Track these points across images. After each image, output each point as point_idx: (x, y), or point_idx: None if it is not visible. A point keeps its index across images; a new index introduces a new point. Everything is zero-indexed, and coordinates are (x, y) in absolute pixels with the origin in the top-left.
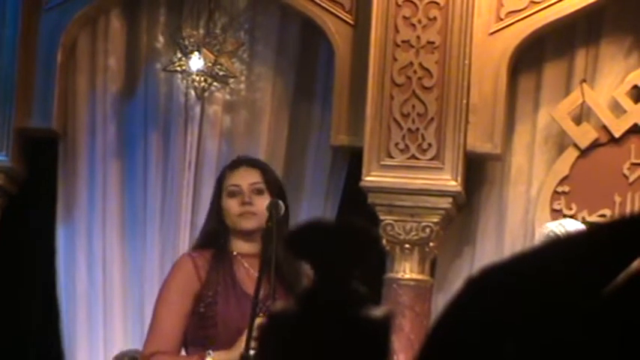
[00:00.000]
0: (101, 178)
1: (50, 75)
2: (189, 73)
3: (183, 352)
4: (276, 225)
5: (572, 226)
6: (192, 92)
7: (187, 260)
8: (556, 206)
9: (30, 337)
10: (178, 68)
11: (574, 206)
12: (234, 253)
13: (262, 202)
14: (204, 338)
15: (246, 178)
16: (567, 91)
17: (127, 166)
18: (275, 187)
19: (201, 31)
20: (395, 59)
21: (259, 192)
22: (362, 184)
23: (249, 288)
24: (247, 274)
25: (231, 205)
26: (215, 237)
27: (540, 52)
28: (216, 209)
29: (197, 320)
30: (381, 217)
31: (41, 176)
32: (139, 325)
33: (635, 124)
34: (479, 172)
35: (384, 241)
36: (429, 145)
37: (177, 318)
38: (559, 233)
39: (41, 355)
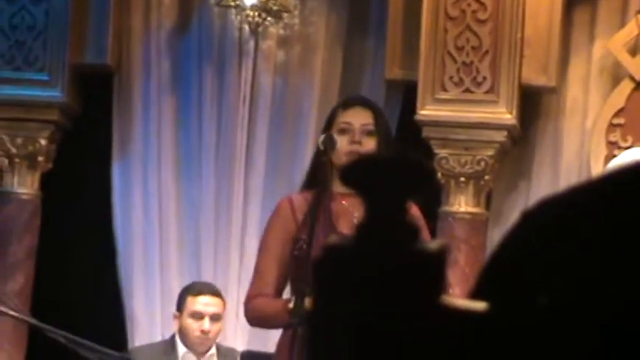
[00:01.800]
0: (156, 114)
1: (104, 11)
2: (243, 8)
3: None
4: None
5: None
6: (246, 27)
7: (285, 203)
8: (612, 138)
9: (88, 273)
10: (232, 3)
11: (630, 138)
12: (335, 191)
13: (371, 144)
14: (304, 279)
15: (359, 118)
16: (622, 23)
17: (181, 102)
18: (385, 131)
19: None
20: None
21: (369, 133)
22: (416, 117)
23: (345, 227)
24: (345, 213)
25: (341, 142)
26: (319, 175)
27: None
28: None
29: (294, 262)
30: (436, 151)
31: (96, 112)
32: (195, 260)
33: None
34: (534, 105)
35: (438, 175)
36: (484, 78)
37: (275, 262)
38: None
39: (99, 292)
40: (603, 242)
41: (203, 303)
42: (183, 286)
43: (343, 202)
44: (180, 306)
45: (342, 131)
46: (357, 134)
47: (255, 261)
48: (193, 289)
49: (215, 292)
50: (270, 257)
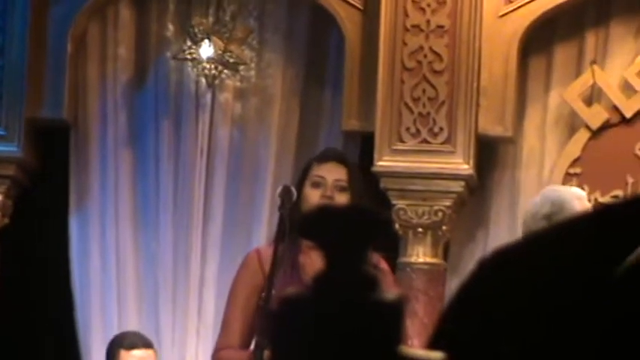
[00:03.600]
0: (113, 168)
1: (60, 65)
2: (200, 61)
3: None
4: (288, 211)
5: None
6: (203, 80)
7: (253, 255)
8: None
9: (45, 326)
10: (188, 56)
11: (586, 187)
12: (304, 244)
13: (343, 200)
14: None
15: (333, 173)
16: (578, 73)
17: (138, 155)
18: (357, 187)
19: (211, 19)
20: (405, 43)
21: (342, 189)
22: (374, 168)
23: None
24: (312, 265)
25: (312, 195)
26: (280, 227)
27: (550, 34)
28: (297, 197)
29: (259, 314)
30: (394, 202)
31: (53, 166)
32: (153, 314)
33: None
34: (491, 154)
35: (396, 226)
36: (441, 128)
37: (241, 314)
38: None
39: (57, 345)
40: (554, 293)
41: (138, 357)
42: (112, 338)
43: (311, 254)
44: None
45: (316, 185)
46: (330, 189)
47: (223, 313)
48: (125, 342)
49: (148, 344)
50: (237, 309)
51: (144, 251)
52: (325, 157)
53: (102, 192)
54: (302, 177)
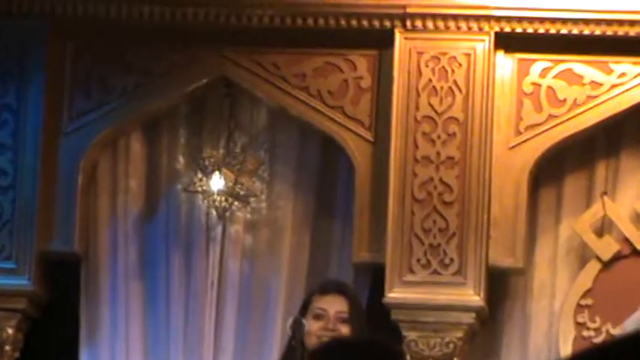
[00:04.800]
0: (123, 300)
1: (71, 198)
2: (210, 193)
3: None
4: (299, 343)
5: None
6: (214, 212)
7: None
8: (580, 319)
9: None
10: (199, 188)
11: (598, 319)
12: None
13: (345, 331)
14: None
15: (334, 305)
16: (588, 204)
17: (149, 287)
18: (359, 319)
19: (222, 151)
20: (415, 175)
21: (344, 321)
22: (384, 300)
23: None
24: None
25: (315, 328)
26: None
27: (560, 166)
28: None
29: None
30: (405, 334)
31: (64, 299)
32: None
33: None
34: (501, 286)
35: (408, 358)
36: (451, 260)
37: None
38: None
39: None
40: None
41: None
42: None
43: None
44: None
45: (317, 317)
46: (332, 321)
47: None
48: None
49: None
50: None
51: None
52: (326, 289)
53: (112, 324)
54: (303, 309)
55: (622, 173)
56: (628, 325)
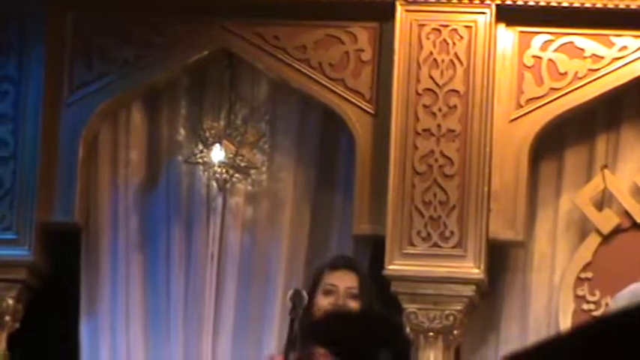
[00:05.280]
0: (124, 272)
1: (72, 169)
2: (211, 165)
3: None
4: (299, 315)
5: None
6: (214, 184)
7: None
8: (579, 292)
9: None
10: (200, 160)
11: (597, 292)
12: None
13: (355, 307)
14: None
15: (344, 281)
16: (589, 177)
17: (149, 259)
18: (368, 295)
19: (222, 123)
20: (416, 147)
21: (353, 297)
22: (385, 272)
23: None
24: None
25: (325, 304)
26: (290, 335)
27: (561, 139)
28: (308, 305)
29: None
30: (405, 306)
31: (64, 270)
32: None
33: None
34: (501, 259)
35: (407, 329)
36: (451, 232)
37: None
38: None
39: None
40: None
41: None
42: None
43: None
44: None
45: (327, 292)
46: (341, 297)
47: None
48: None
49: None
50: None
51: (154, 356)
52: (336, 265)
53: (113, 296)
54: (313, 284)
55: (622, 146)
56: (619, 300)
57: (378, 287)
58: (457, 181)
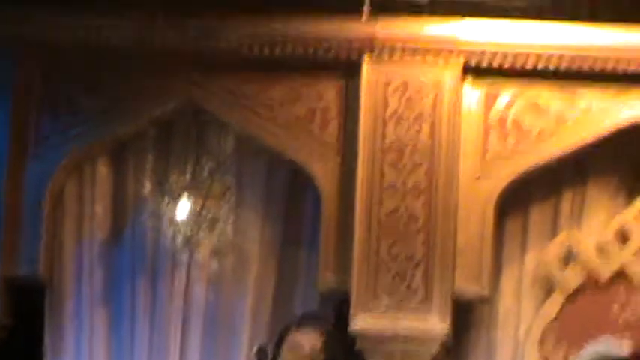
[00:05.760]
0: (88, 325)
1: (37, 222)
2: (176, 219)
3: None
4: None
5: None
6: (180, 238)
7: None
8: (544, 349)
9: None
10: (165, 214)
11: (562, 349)
12: None
13: None
14: None
15: (309, 339)
16: (554, 234)
17: (114, 313)
18: (333, 351)
19: (188, 176)
20: (381, 203)
21: (318, 354)
22: (350, 329)
23: None
24: None
25: None
26: None
27: (526, 196)
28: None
29: None
30: None
31: (28, 323)
32: None
33: (622, 268)
34: (467, 314)
35: None
36: (417, 288)
37: None
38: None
39: None
40: None
41: None
42: None
43: None
44: None
45: (293, 349)
46: (307, 355)
47: None
48: None
49: None
50: None
51: None
52: (302, 323)
53: (77, 350)
54: (279, 341)
55: (587, 204)
56: (583, 358)
57: (344, 342)
58: (423, 237)
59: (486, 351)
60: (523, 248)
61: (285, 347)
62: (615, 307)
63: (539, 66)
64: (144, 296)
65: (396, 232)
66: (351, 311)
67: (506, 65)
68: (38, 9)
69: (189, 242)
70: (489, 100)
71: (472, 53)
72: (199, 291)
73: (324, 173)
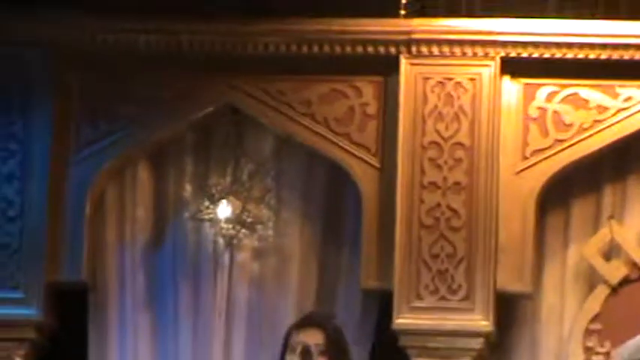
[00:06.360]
0: (132, 330)
1: (79, 227)
2: (218, 221)
3: None
4: None
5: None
6: (221, 240)
7: None
8: (589, 344)
9: None
10: (206, 216)
11: (607, 344)
12: None
13: None
14: None
15: (312, 339)
16: (596, 229)
17: (157, 317)
18: (337, 350)
19: (228, 179)
20: (422, 201)
21: (322, 353)
22: (393, 326)
23: None
24: None
25: None
26: None
27: (567, 190)
28: None
29: None
30: (414, 359)
31: (72, 329)
32: None
33: None
34: (510, 311)
35: None
36: (459, 285)
37: None
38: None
39: None
40: None
41: None
42: None
43: None
44: None
45: (295, 351)
46: (310, 354)
47: None
48: None
49: None
50: None
51: None
52: (303, 324)
53: (121, 355)
54: (283, 346)
55: (629, 197)
56: (623, 352)
57: (387, 341)
58: (464, 234)
59: (530, 347)
60: (565, 243)
61: (289, 350)
62: None
63: (579, 56)
64: (186, 299)
65: (437, 230)
66: (394, 310)
67: (544, 58)
68: (74, 17)
69: (231, 244)
70: (528, 95)
71: (510, 47)
72: (241, 293)
73: (363, 172)
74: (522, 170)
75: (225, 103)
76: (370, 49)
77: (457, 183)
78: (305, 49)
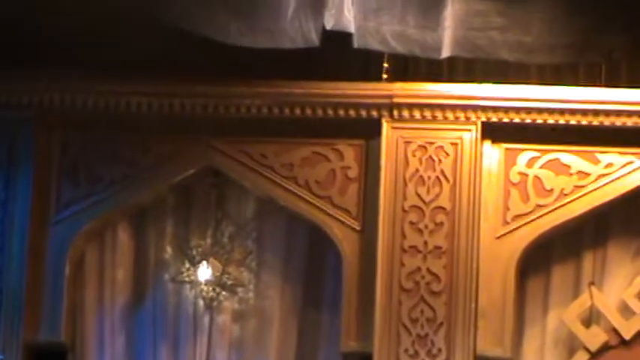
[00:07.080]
0: None
1: (58, 288)
2: (198, 283)
3: None
4: None
5: None
6: (201, 302)
7: None
8: None
9: None
10: (187, 279)
11: None
12: None
13: None
14: None
15: None
16: (576, 294)
17: None
18: None
19: (209, 241)
20: (402, 264)
21: None
22: None
23: None
24: None
25: None
26: None
27: (548, 255)
28: None
29: None
30: None
31: None
32: None
33: None
34: None
35: None
36: (439, 350)
37: None
38: None
39: None
40: None
41: None
42: None
43: None
44: None
45: None
46: None
47: None
48: None
49: None
50: None
51: None
52: None
53: None
54: None
55: (609, 263)
56: None
57: None
58: (444, 298)
59: None
60: (545, 309)
61: None
62: None
63: (560, 122)
64: None
65: (418, 294)
66: None
67: (525, 123)
68: (58, 77)
69: (211, 307)
70: (510, 160)
71: (491, 112)
72: (221, 355)
73: (344, 235)
74: (503, 235)
75: (207, 166)
76: (352, 112)
77: (438, 247)
78: (287, 111)
